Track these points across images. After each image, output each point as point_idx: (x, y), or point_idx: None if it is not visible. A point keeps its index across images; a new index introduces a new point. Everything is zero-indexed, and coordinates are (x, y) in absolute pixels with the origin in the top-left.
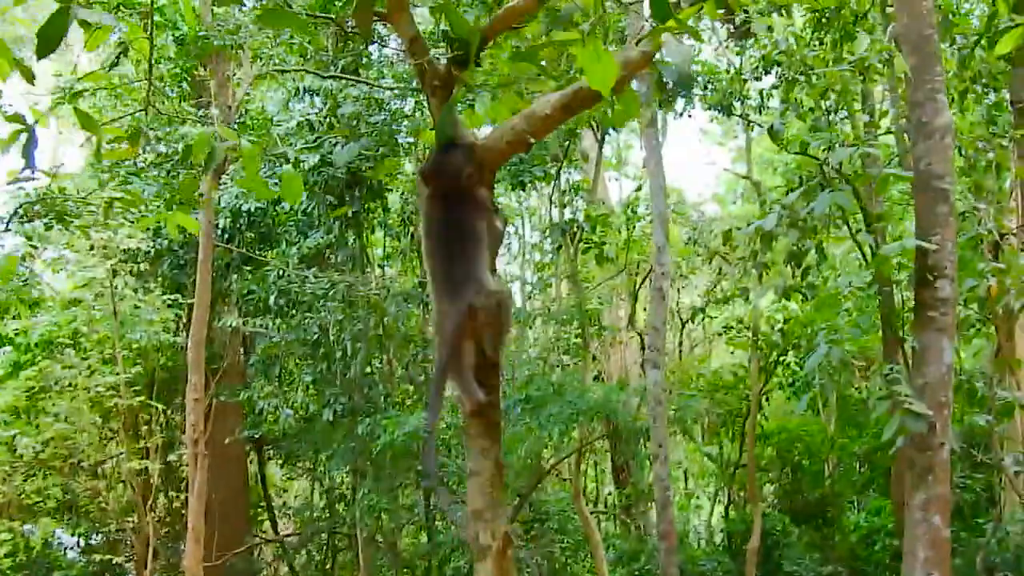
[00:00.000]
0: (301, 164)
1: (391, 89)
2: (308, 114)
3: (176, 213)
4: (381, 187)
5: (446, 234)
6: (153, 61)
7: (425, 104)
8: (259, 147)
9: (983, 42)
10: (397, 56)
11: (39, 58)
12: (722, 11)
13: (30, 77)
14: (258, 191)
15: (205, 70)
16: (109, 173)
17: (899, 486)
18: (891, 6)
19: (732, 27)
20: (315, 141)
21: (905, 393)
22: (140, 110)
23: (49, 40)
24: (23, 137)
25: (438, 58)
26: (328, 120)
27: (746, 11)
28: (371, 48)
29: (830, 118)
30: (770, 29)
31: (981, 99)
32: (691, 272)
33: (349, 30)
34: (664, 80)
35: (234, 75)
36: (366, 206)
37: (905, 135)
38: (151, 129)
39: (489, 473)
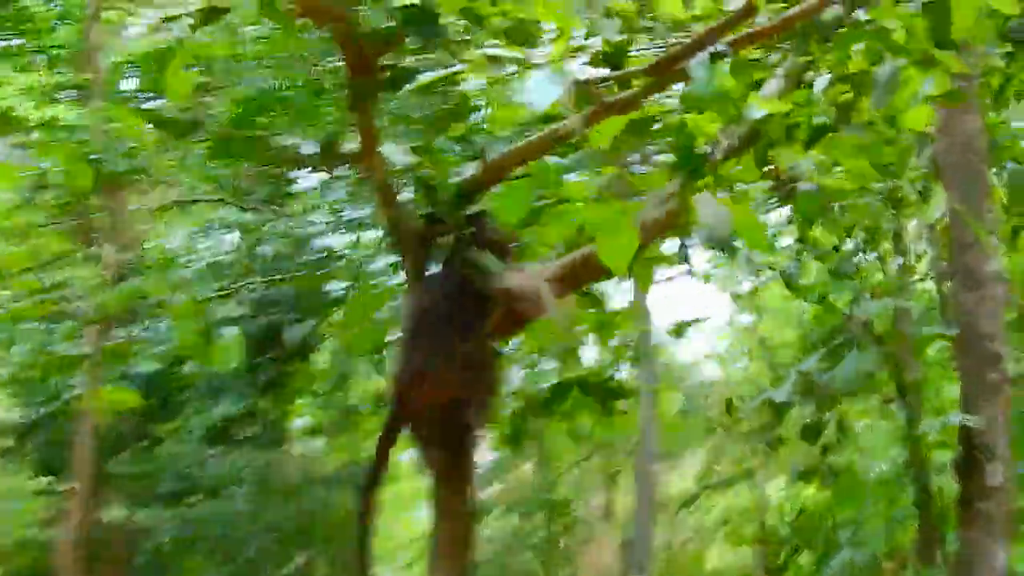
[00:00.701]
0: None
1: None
2: (220, 253)
3: (112, 388)
4: (307, 344)
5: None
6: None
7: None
8: (194, 304)
9: None
10: (330, 185)
11: None
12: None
13: None
14: (195, 353)
15: (97, 199)
16: None
17: None
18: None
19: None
20: (228, 287)
21: None
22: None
23: None
24: None
25: (415, 210)
26: (245, 261)
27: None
28: (299, 174)
29: (856, 261)
30: (821, 190)
31: None
32: (682, 447)
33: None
34: (688, 246)
35: (132, 206)
36: (287, 368)
37: (946, 283)
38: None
39: None
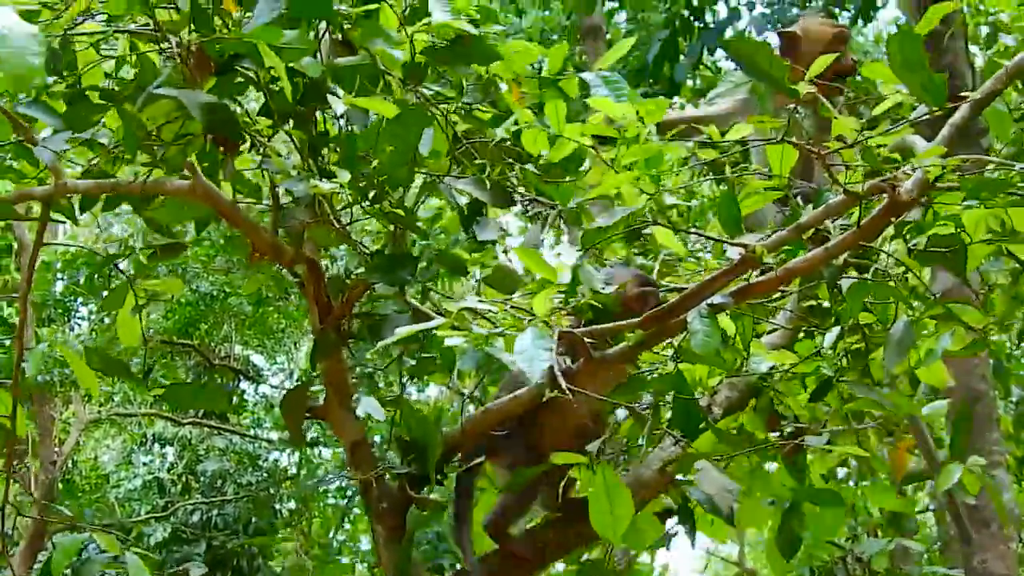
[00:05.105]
0: (146, 538)
1: (269, 441)
2: (157, 470)
3: None
4: (253, 570)
5: None
6: None
7: (311, 459)
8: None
9: None
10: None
11: None
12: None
13: None
14: None
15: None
16: None
17: None
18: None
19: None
20: (166, 507)
21: None
22: None
23: None
24: None
25: (389, 472)
26: (184, 479)
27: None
28: (244, 385)
29: (852, 488)
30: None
31: None
32: None
33: (216, 362)
34: (689, 507)
35: (60, 417)
36: None
37: (948, 517)
38: None
39: None
